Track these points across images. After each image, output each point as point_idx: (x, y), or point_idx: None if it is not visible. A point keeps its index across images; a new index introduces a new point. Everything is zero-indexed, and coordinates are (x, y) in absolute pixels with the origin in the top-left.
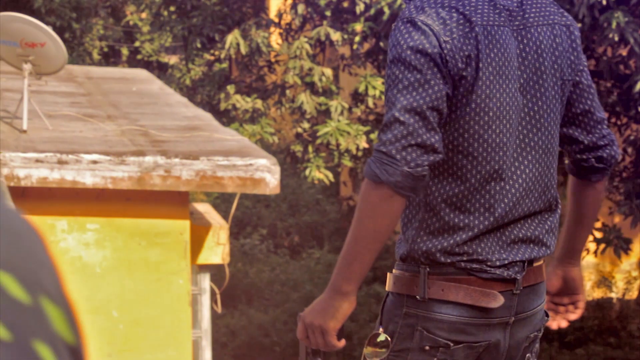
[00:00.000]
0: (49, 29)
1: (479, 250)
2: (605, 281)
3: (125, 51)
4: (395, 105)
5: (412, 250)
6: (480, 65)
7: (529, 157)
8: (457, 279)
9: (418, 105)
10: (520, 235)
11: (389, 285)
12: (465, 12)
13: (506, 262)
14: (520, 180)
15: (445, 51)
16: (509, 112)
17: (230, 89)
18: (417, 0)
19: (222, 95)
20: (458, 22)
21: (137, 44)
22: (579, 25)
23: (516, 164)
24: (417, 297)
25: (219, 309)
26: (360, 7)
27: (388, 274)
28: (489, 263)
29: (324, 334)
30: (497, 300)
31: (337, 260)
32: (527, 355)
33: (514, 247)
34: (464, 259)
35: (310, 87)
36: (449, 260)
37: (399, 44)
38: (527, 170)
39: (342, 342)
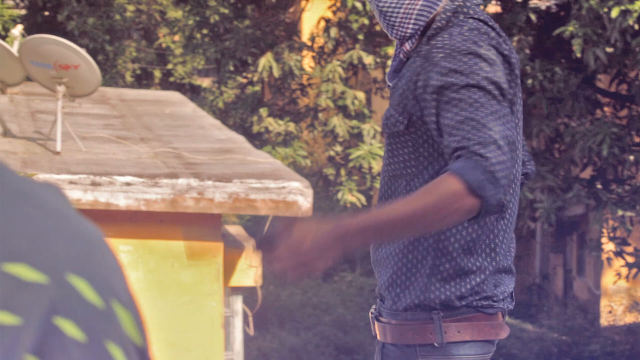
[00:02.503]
0: (82, 51)
1: (486, 287)
2: (637, 306)
3: (158, 73)
4: (490, 128)
5: (426, 299)
6: (514, 109)
7: (516, 189)
8: (468, 317)
9: (512, 135)
10: (507, 266)
11: (390, 338)
12: (505, 53)
13: (505, 294)
14: (511, 212)
15: (510, 90)
16: (519, 150)
17: (263, 111)
18: (475, 36)
19: (255, 118)
20: (502, 63)
21: (169, 66)
22: (611, 50)
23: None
24: (435, 344)
25: (251, 332)
26: None
27: (380, 325)
28: (494, 298)
29: (306, 265)
30: (506, 331)
31: (362, 217)
32: None
33: (506, 278)
34: (476, 298)
35: (343, 110)
36: (463, 303)
37: (473, 72)
38: (514, 201)
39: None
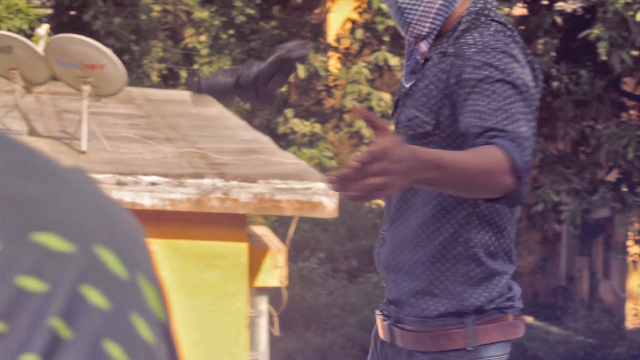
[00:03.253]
0: (108, 50)
1: (507, 289)
2: None
3: (184, 74)
4: (522, 126)
5: (461, 307)
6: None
7: None
8: (494, 319)
9: (534, 135)
10: (516, 268)
11: (420, 345)
12: (530, 58)
13: (519, 294)
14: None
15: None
16: None
17: (289, 112)
18: (503, 37)
19: (281, 119)
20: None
21: (195, 66)
22: (637, 53)
23: None
24: (467, 348)
25: (276, 332)
26: None
27: (402, 332)
28: (514, 298)
29: (390, 174)
30: (523, 329)
31: (436, 153)
32: None
33: (515, 279)
34: (502, 300)
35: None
36: (493, 306)
37: (507, 69)
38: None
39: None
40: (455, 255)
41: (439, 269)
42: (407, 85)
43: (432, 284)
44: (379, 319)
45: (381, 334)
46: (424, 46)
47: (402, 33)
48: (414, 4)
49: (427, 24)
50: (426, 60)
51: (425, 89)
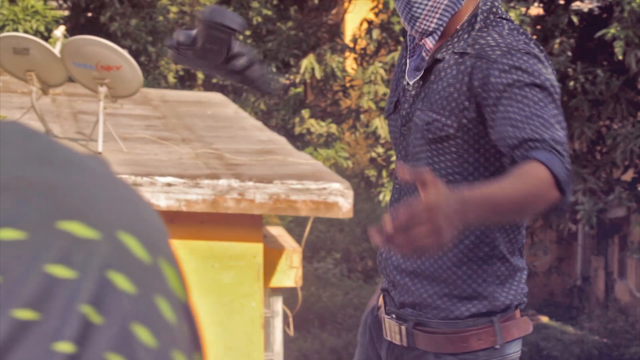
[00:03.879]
0: (124, 52)
1: (524, 286)
2: None
3: (200, 75)
4: (557, 130)
5: (492, 307)
6: None
7: None
8: (512, 315)
9: (566, 140)
10: None
11: (450, 347)
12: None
13: (526, 290)
14: None
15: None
16: None
17: (305, 113)
18: (521, 36)
19: (297, 120)
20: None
21: None
22: None
23: None
24: (496, 346)
25: (291, 332)
26: None
27: (425, 335)
28: (526, 295)
29: (438, 233)
30: (532, 325)
31: (484, 190)
32: None
33: (529, 278)
34: (520, 296)
35: None
36: (515, 303)
37: (535, 71)
38: None
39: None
40: (482, 256)
41: (466, 272)
42: (411, 82)
43: (461, 287)
44: (389, 322)
45: (394, 338)
46: (429, 42)
47: (407, 28)
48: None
49: (435, 20)
50: (437, 60)
51: (443, 91)
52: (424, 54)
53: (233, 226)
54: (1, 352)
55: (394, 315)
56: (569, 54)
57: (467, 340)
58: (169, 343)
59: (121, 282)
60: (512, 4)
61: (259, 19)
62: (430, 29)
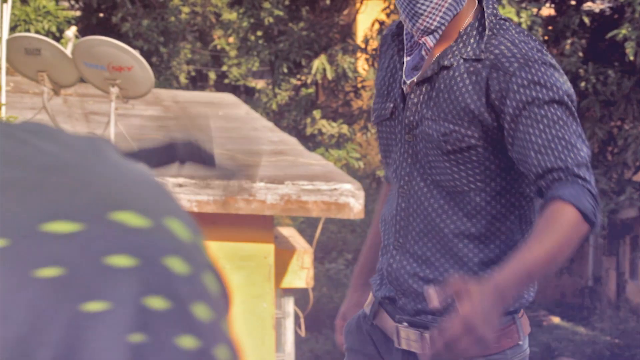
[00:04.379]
0: (136, 52)
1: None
2: None
3: (212, 75)
4: (580, 149)
5: (519, 305)
6: None
7: None
8: (522, 312)
9: (589, 155)
10: None
11: (484, 350)
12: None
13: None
14: None
15: None
16: None
17: (317, 113)
18: (532, 41)
19: (308, 120)
20: None
21: (224, 68)
22: None
23: None
24: (519, 342)
25: (302, 333)
26: None
27: None
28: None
29: (481, 340)
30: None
31: (512, 267)
32: None
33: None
34: (535, 292)
35: None
36: (530, 300)
37: (554, 85)
38: None
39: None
40: (504, 259)
41: (487, 273)
42: (408, 82)
43: None
44: (406, 331)
45: (412, 346)
46: (430, 41)
47: (408, 25)
48: None
49: (438, 18)
50: (443, 67)
51: (457, 101)
52: (423, 52)
53: (244, 227)
54: (74, 345)
55: (405, 324)
56: (581, 54)
57: (499, 341)
58: (219, 314)
59: (176, 265)
60: (523, 5)
61: (271, 20)
62: (433, 27)
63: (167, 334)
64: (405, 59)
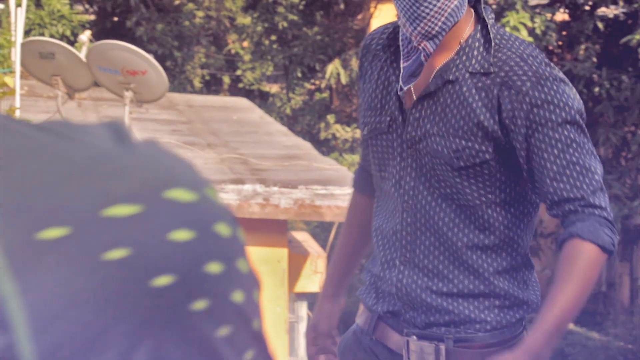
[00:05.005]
0: (150, 57)
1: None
2: None
3: (227, 79)
4: (594, 172)
5: (532, 309)
6: None
7: None
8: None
9: (601, 174)
10: None
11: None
12: None
13: None
14: None
15: None
16: None
17: (331, 118)
18: (539, 55)
19: (322, 125)
20: None
21: (238, 72)
22: None
23: None
24: None
25: None
26: None
27: (477, 351)
28: None
29: None
30: None
31: (554, 310)
32: None
33: None
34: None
35: None
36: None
37: (566, 104)
38: None
39: None
40: (514, 265)
41: (503, 282)
42: (405, 88)
43: (503, 296)
44: (419, 344)
45: (425, 359)
46: (430, 47)
47: (408, 29)
48: None
49: (440, 23)
50: (448, 81)
51: (468, 117)
52: (422, 58)
53: (258, 231)
54: (148, 319)
55: (415, 337)
56: (594, 59)
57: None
58: (253, 278)
59: (223, 230)
60: (537, 10)
61: (285, 24)
62: (434, 32)
63: (224, 294)
64: (402, 64)
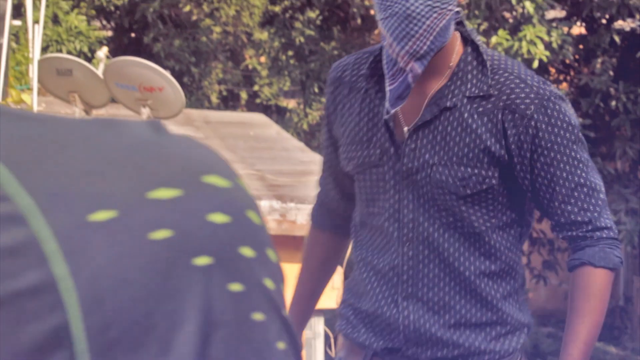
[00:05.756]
0: (167, 73)
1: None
2: None
3: (244, 95)
4: (599, 190)
5: (527, 332)
6: None
7: None
8: None
9: (602, 186)
10: None
11: None
12: None
13: None
14: None
15: None
16: None
17: None
18: (534, 74)
19: None
20: None
21: (256, 87)
22: None
23: None
24: None
25: (333, 354)
26: None
27: None
28: None
29: None
30: None
31: (578, 344)
32: None
33: None
34: None
35: None
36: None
37: (567, 123)
38: None
39: None
40: (516, 288)
41: (507, 306)
42: (391, 111)
43: (507, 321)
44: None
45: None
46: (418, 68)
47: (394, 49)
48: (422, 16)
49: (428, 42)
50: (445, 108)
51: (473, 143)
52: (410, 79)
53: (275, 247)
54: (188, 297)
55: None
56: (611, 73)
57: None
58: (280, 269)
59: (254, 217)
60: (554, 24)
61: (302, 40)
62: (422, 52)
63: (257, 277)
64: (388, 87)
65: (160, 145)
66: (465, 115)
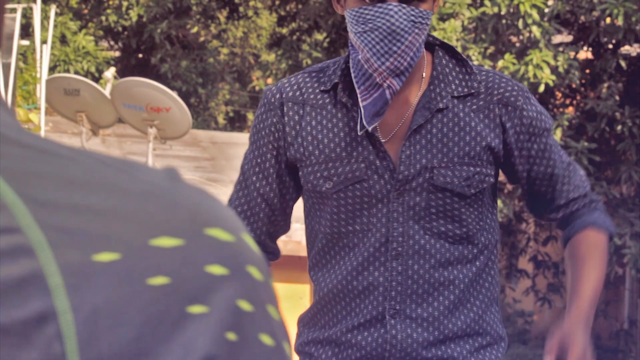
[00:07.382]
0: (174, 93)
1: None
2: None
3: (250, 116)
4: (576, 164)
5: (506, 344)
6: None
7: None
8: None
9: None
10: None
11: None
12: None
13: None
14: None
15: None
16: None
17: None
18: (498, 73)
19: None
20: None
21: None
22: None
23: None
24: None
25: None
26: None
27: None
28: None
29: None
30: None
31: (589, 284)
32: None
33: None
34: None
35: None
36: None
37: (545, 113)
38: None
39: None
40: (496, 297)
41: (490, 316)
42: (370, 128)
43: (489, 333)
44: None
45: None
46: (396, 84)
47: (372, 65)
48: (406, 32)
49: (408, 58)
50: (438, 110)
51: (474, 141)
52: (388, 96)
53: (280, 268)
54: (182, 343)
55: None
56: (617, 97)
57: None
58: (284, 328)
59: (256, 273)
60: (560, 49)
61: (309, 61)
62: (402, 68)
63: (253, 332)
64: (361, 103)
65: (171, 194)
66: (461, 114)
